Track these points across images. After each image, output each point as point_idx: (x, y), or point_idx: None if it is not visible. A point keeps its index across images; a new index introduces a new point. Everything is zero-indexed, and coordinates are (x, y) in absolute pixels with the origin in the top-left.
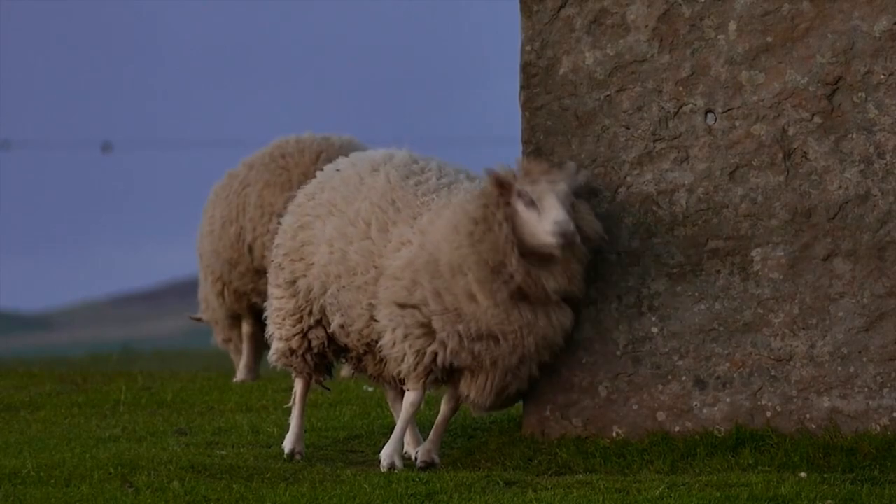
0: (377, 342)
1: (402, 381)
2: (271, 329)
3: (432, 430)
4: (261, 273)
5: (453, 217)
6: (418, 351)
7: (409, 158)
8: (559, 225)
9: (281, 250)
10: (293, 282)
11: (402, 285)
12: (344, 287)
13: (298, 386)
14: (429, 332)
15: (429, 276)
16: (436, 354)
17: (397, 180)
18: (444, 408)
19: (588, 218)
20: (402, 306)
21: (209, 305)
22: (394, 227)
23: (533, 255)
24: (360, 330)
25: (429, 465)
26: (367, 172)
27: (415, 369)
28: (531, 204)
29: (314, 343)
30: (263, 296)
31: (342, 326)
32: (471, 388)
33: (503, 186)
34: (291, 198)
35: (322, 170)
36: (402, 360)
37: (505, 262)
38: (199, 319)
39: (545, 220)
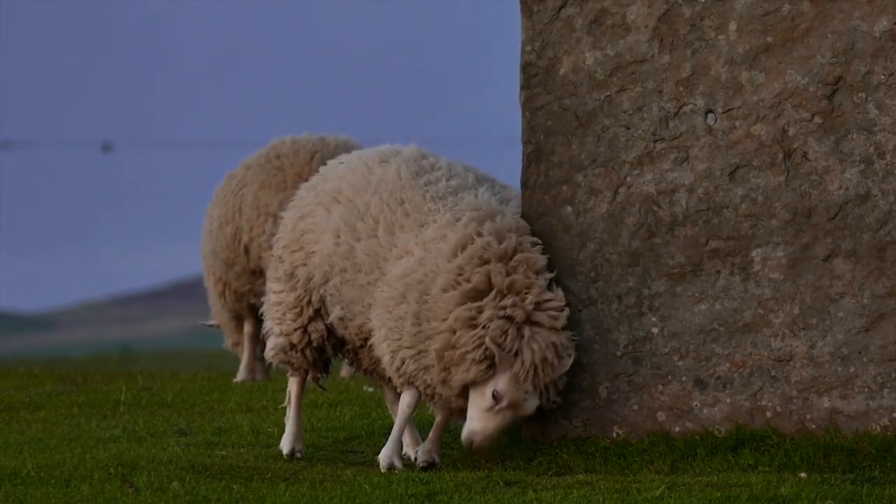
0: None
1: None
2: (269, 324)
3: (432, 430)
4: (257, 274)
5: (448, 278)
6: (394, 352)
7: (419, 154)
8: (467, 438)
9: (281, 243)
10: (292, 273)
11: (392, 294)
12: (348, 282)
13: (293, 385)
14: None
15: (418, 294)
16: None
17: (408, 177)
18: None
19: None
20: (389, 311)
21: (215, 308)
22: (400, 231)
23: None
24: (360, 325)
25: (430, 466)
26: (375, 163)
27: (390, 368)
28: (493, 395)
29: (314, 337)
30: (260, 297)
31: (341, 319)
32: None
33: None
34: (287, 198)
35: (322, 166)
36: (384, 358)
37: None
38: (212, 325)
39: (469, 419)
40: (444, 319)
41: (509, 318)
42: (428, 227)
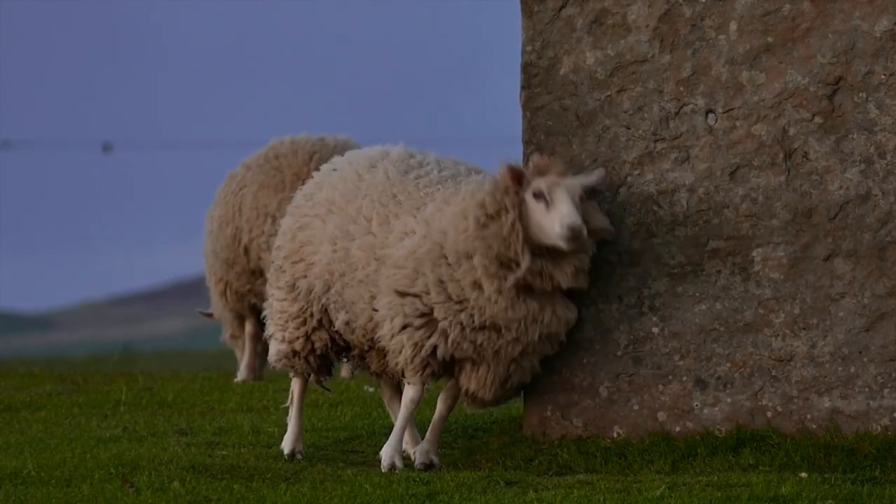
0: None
1: (403, 375)
2: (271, 330)
3: (429, 430)
4: (257, 274)
5: (462, 204)
6: (416, 343)
7: (406, 154)
8: (569, 225)
9: (281, 252)
10: (294, 285)
11: (404, 274)
12: (347, 284)
13: (296, 386)
14: (429, 322)
15: (432, 264)
16: (435, 347)
17: (397, 176)
18: (440, 406)
19: (595, 213)
20: (403, 294)
21: (216, 304)
22: (395, 218)
23: (540, 249)
24: (365, 325)
25: (428, 467)
26: (364, 170)
27: (412, 361)
28: (542, 199)
29: (317, 345)
30: (261, 297)
31: (347, 323)
32: (471, 381)
33: (517, 179)
34: (286, 199)
35: (318, 170)
36: (400, 352)
37: (511, 253)
38: (209, 315)
39: (555, 218)
40: (471, 253)
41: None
42: (427, 206)
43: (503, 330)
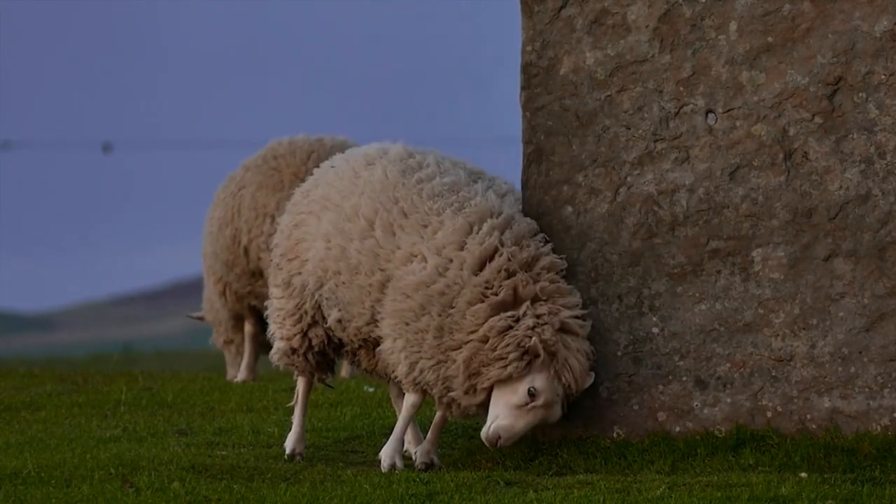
0: (375, 342)
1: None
2: (272, 328)
3: (430, 430)
4: (256, 275)
5: (483, 275)
6: (412, 363)
7: (405, 153)
8: (493, 434)
9: (278, 250)
10: (289, 282)
11: (410, 306)
12: (344, 283)
13: (301, 385)
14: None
15: (439, 308)
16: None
17: (396, 176)
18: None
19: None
20: (406, 323)
21: (213, 306)
22: (401, 231)
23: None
24: (360, 327)
25: (428, 466)
26: (361, 167)
27: (406, 377)
28: (532, 396)
29: (315, 342)
30: (260, 298)
31: (339, 321)
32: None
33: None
34: (285, 198)
35: (317, 167)
36: (398, 367)
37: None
38: (200, 318)
39: (496, 417)
40: (473, 332)
41: (550, 325)
42: (432, 227)
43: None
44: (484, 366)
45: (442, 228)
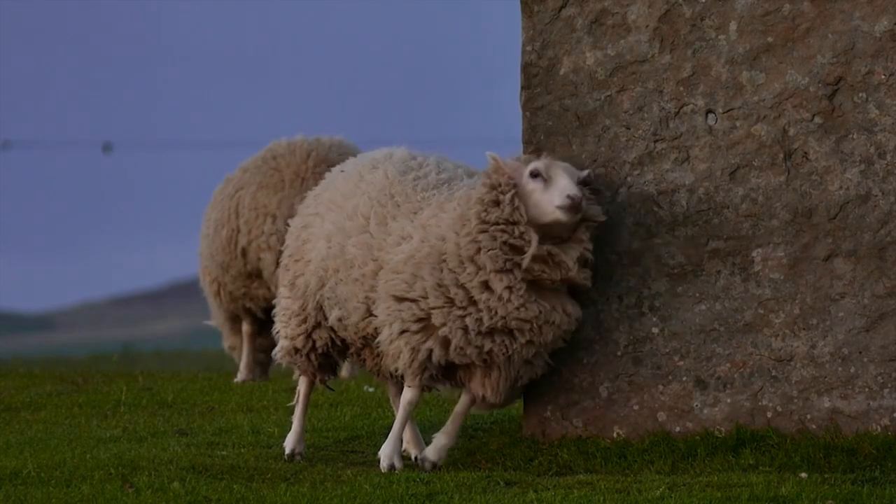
0: (374, 336)
1: (402, 377)
2: (277, 327)
3: (450, 420)
4: (252, 277)
5: (458, 209)
6: (413, 348)
7: (408, 156)
8: (570, 194)
9: (287, 251)
10: (294, 282)
11: (402, 279)
12: (341, 280)
13: (302, 385)
14: (426, 327)
15: (430, 267)
16: (431, 351)
17: (395, 175)
18: (463, 397)
19: (589, 202)
20: (400, 300)
21: (213, 311)
22: (393, 221)
23: (544, 235)
24: (357, 323)
25: (434, 465)
26: (367, 170)
27: (410, 366)
28: (540, 177)
29: (318, 343)
30: (255, 301)
31: (340, 320)
32: (486, 388)
33: (507, 170)
34: (285, 198)
35: (329, 171)
36: (399, 357)
37: (517, 234)
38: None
39: (555, 192)
40: (475, 254)
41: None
42: (423, 211)
43: (516, 333)
44: (503, 230)
45: (427, 207)
